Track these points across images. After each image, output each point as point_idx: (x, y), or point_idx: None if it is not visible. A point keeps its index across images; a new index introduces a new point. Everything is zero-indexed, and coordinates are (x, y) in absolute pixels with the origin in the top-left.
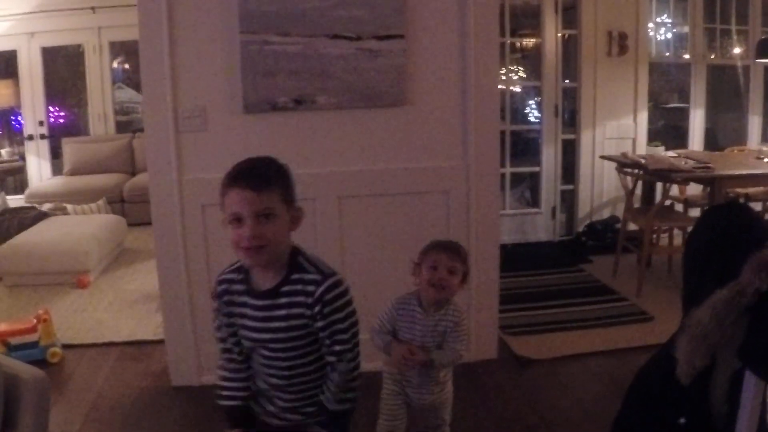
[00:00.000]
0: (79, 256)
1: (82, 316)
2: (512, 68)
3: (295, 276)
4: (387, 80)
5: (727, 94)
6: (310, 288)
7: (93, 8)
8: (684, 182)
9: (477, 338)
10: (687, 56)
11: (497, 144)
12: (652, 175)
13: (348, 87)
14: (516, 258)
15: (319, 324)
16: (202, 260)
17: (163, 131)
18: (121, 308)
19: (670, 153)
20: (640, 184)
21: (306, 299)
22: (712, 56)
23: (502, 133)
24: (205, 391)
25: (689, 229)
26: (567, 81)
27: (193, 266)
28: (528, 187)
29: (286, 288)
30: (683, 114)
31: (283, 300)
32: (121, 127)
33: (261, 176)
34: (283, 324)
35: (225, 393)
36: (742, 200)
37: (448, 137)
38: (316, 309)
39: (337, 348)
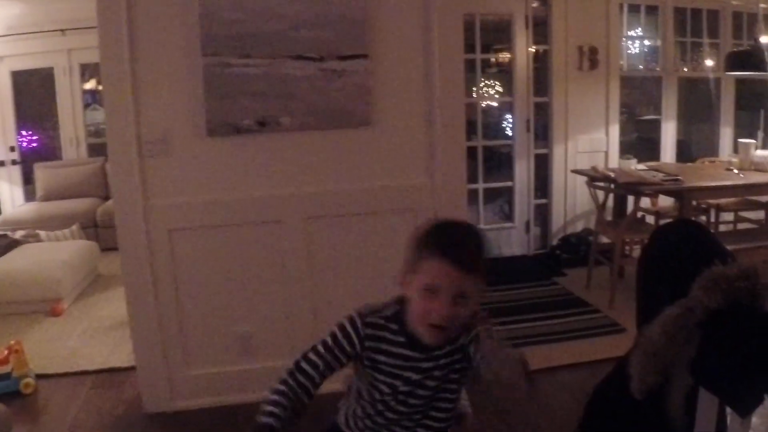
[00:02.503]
0: (51, 284)
1: (56, 344)
2: (488, 83)
3: (461, 340)
4: (351, 100)
5: (699, 106)
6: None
7: (63, 30)
8: (653, 195)
9: None
10: (658, 69)
11: (463, 161)
12: (621, 188)
13: (312, 108)
14: (490, 272)
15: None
16: (170, 286)
17: (127, 156)
18: (95, 335)
19: (641, 166)
20: (611, 197)
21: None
22: (684, 69)
23: (475, 148)
24: (177, 417)
25: None
26: (539, 96)
27: (162, 292)
28: (506, 201)
29: (449, 347)
30: (656, 126)
31: (446, 359)
32: (94, 150)
33: (472, 256)
34: (440, 376)
35: (273, 409)
36: (713, 211)
37: (414, 156)
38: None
39: None
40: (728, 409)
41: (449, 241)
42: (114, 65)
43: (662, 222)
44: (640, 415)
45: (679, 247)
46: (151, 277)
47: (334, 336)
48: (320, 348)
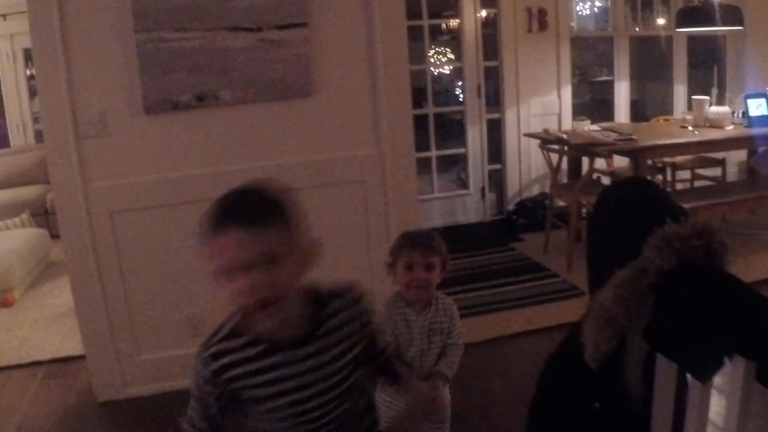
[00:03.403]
0: (1, 274)
1: (8, 335)
2: (439, 50)
3: (329, 310)
4: (292, 71)
5: (651, 65)
6: (356, 309)
7: (4, 15)
8: (607, 155)
9: None
10: (610, 29)
11: (411, 129)
12: (574, 150)
13: (252, 80)
14: (447, 241)
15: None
16: (115, 270)
17: (63, 138)
18: (48, 324)
19: (594, 127)
20: (565, 160)
21: (356, 323)
22: (636, 28)
23: (426, 116)
24: (130, 404)
25: None
26: (489, 60)
27: (107, 276)
28: (462, 169)
29: (327, 325)
30: (609, 87)
31: (330, 339)
32: (42, 137)
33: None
34: (339, 363)
35: None
36: (669, 169)
37: (360, 125)
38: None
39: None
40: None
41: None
42: (45, 45)
43: None
44: (596, 384)
45: (629, 206)
46: (94, 262)
47: (196, 385)
48: (193, 403)
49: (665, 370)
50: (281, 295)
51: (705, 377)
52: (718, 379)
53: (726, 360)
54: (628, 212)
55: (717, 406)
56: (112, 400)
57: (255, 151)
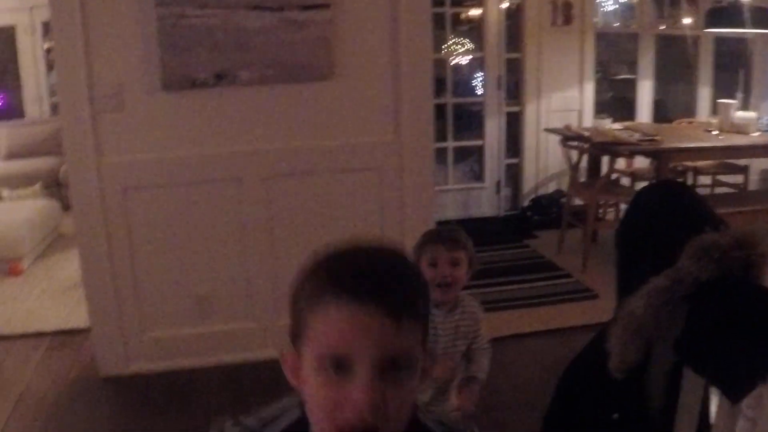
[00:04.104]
0: (10, 243)
1: (14, 305)
2: (458, 40)
3: None
4: (312, 53)
5: (676, 65)
6: None
7: None
8: (629, 155)
9: None
10: (635, 26)
11: (430, 118)
12: (596, 148)
13: (271, 61)
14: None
15: None
16: (125, 246)
17: (79, 112)
18: (54, 296)
19: (616, 125)
20: (585, 157)
21: None
22: (662, 27)
23: (444, 106)
24: (133, 380)
25: None
26: (511, 53)
27: (117, 252)
28: (476, 161)
29: None
30: (631, 86)
31: None
32: (58, 109)
33: (398, 289)
34: None
35: None
36: (690, 174)
37: (379, 111)
38: None
39: None
40: (712, 393)
41: (347, 270)
42: (64, 17)
43: (638, 184)
44: (616, 394)
45: (665, 211)
46: (105, 237)
47: None
48: None
49: (692, 384)
50: (389, 422)
51: (737, 397)
52: (745, 402)
53: (760, 384)
54: (663, 217)
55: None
56: (115, 376)
57: (271, 133)
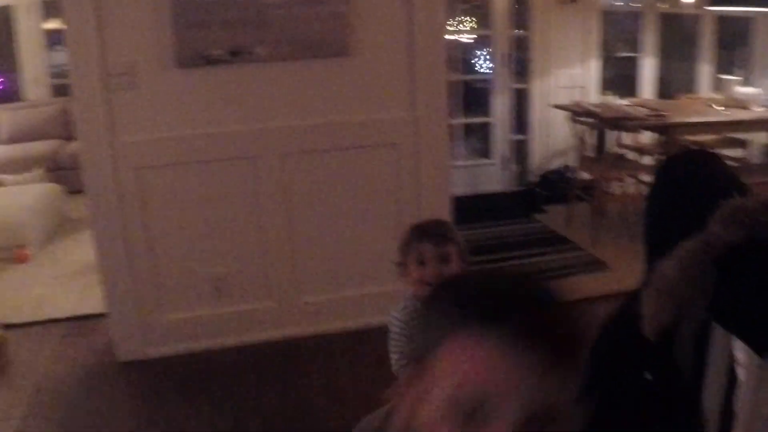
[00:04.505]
0: (15, 230)
1: (23, 292)
2: (463, 18)
3: None
4: (329, 29)
5: (678, 43)
6: None
7: None
8: (638, 130)
9: None
10: (638, 4)
11: (445, 93)
12: (605, 123)
13: (287, 37)
14: (469, 210)
15: None
16: (140, 227)
17: (91, 91)
18: (64, 282)
19: (624, 101)
20: (592, 134)
21: None
22: (665, 5)
23: (455, 83)
24: (152, 364)
25: (641, 177)
26: (518, 30)
27: (132, 234)
28: (481, 138)
29: None
30: (632, 64)
31: None
32: (58, 92)
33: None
34: None
35: None
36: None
37: (395, 88)
38: None
39: None
40: (739, 350)
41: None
42: None
43: (644, 158)
44: (648, 355)
45: (695, 178)
46: (119, 219)
47: None
48: None
49: (721, 342)
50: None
51: (764, 349)
52: None
53: None
54: (693, 184)
55: None
56: (133, 360)
57: (287, 109)
